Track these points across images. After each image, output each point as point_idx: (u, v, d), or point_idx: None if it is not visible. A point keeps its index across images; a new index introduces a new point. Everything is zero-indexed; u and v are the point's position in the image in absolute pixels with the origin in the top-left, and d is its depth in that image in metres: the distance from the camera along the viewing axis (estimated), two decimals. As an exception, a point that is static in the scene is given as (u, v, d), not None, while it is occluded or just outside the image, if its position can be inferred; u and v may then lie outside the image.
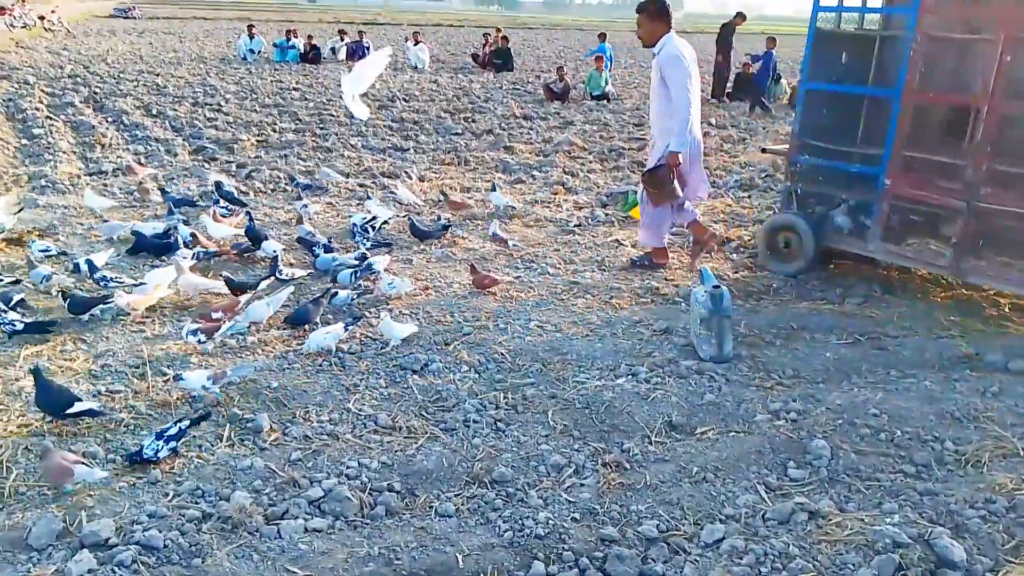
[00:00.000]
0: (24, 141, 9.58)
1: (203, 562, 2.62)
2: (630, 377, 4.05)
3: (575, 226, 6.87)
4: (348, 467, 3.19)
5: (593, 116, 13.26)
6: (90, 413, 3.44)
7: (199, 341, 4.14)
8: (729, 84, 16.36)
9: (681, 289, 5.34)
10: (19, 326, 4.28)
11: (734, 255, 6.19)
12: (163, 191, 7.12)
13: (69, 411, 3.38)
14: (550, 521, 2.91)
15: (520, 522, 2.90)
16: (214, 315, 4.41)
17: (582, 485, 3.16)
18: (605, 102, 15.04)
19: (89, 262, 5.01)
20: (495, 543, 2.80)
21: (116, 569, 2.55)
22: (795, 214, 5.70)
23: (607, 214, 7.22)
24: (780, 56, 17.00)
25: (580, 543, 2.80)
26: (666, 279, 5.60)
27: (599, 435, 3.54)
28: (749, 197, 8.14)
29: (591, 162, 9.71)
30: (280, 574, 2.59)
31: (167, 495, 2.95)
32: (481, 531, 2.88)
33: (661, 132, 5.42)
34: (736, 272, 5.81)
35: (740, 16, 16.48)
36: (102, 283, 4.88)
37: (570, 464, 3.29)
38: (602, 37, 19.78)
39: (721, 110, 14.58)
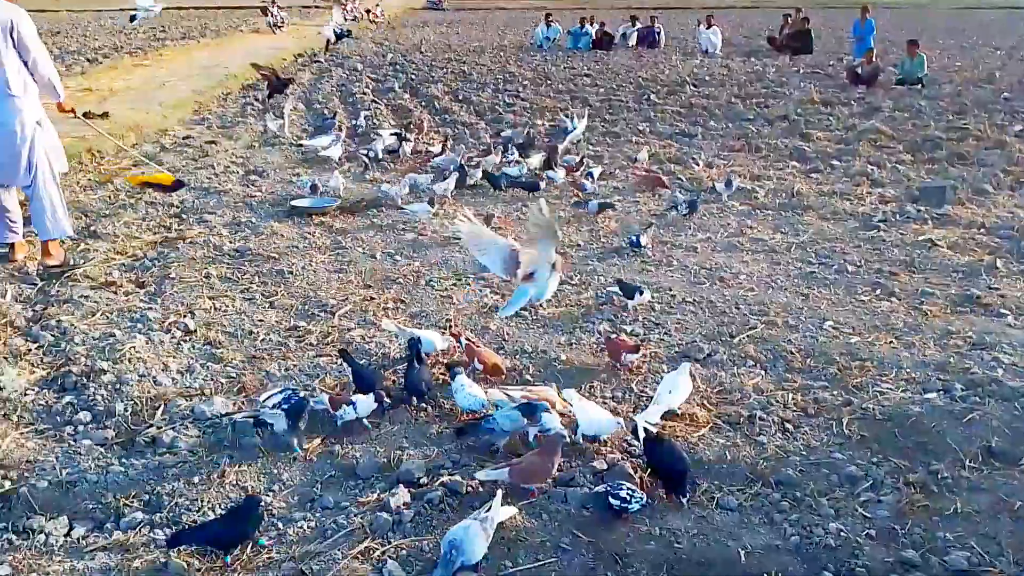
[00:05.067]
0: (354, 121, 10.89)
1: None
2: (942, 393, 3.67)
3: (880, 221, 6.31)
4: (631, 445, 3.26)
5: (904, 103, 12.01)
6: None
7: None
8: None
9: (1007, 299, 4.70)
10: None
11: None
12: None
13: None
14: (842, 533, 2.75)
15: (808, 529, 2.78)
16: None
17: (879, 501, 2.94)
18: (920, 87, 13.55)
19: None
20: (780, 546, 2.71)
21: (426, 506, 2.87)
22: None
23: (919, 210, 6.53)
24: None
25: (876, 563, 2.61)
26: (990, 287, 4.96)
27: (901, 452, 3.25)
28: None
29: (900, 152, 8.82)
30: (565, 536, 2.74)
31: (468, 446, 3.24)
32: (764, 531, 2.80)
33: None
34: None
35: None
36: None
37: (867, 477, 3.07)
38: (864, 11, 17.47)
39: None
